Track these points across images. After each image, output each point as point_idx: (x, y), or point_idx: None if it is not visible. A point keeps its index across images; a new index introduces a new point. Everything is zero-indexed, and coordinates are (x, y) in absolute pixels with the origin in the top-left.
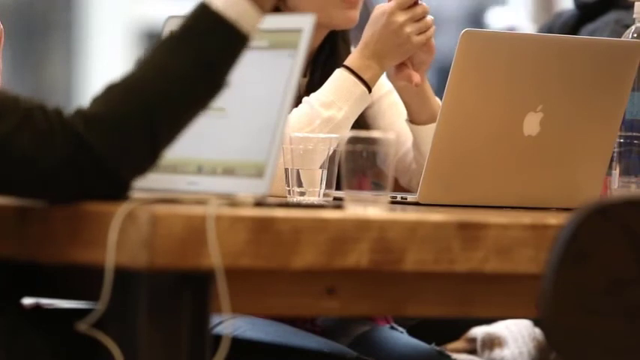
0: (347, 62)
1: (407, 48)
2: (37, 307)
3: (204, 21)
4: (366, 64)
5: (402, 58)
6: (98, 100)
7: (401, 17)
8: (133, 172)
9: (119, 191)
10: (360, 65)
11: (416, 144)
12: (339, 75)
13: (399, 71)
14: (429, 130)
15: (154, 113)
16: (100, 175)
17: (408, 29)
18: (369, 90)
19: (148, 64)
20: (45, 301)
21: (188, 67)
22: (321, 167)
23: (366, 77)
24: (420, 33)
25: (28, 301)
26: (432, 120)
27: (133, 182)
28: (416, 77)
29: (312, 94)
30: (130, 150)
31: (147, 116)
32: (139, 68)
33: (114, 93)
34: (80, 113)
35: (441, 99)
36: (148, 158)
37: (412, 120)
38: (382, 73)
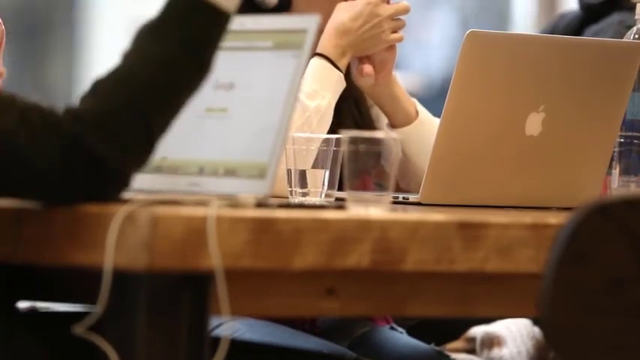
0: (322, 50)
1: (378, 42)
2: (33, 311)
3: (183, 4)
4: (342, 51)
5: (369, 51)
6: (87, 98)
7: (385, 11)
8: (129, 165)
9: (118, 187)
10: (336, 54)
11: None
12: (317, 64)
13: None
14: (406, 133)
15: (144, 103)
16: (97, 172)
17: (386, 25)
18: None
19: (132, 55)
20: (41, 305)
21: (173, 53)
22: (323, 168)
23: (340, 65)
24: (393, 31)
25: (23, 304)
26: (408, 121)
27: (131, 176)
28: (367, 68)
29: None
30: (125, 143)
31: (137, 107)
32: (124, 60)
33: (102, 88)
34: (70, 112)
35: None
36: (143, 150)
37: (391, 124)
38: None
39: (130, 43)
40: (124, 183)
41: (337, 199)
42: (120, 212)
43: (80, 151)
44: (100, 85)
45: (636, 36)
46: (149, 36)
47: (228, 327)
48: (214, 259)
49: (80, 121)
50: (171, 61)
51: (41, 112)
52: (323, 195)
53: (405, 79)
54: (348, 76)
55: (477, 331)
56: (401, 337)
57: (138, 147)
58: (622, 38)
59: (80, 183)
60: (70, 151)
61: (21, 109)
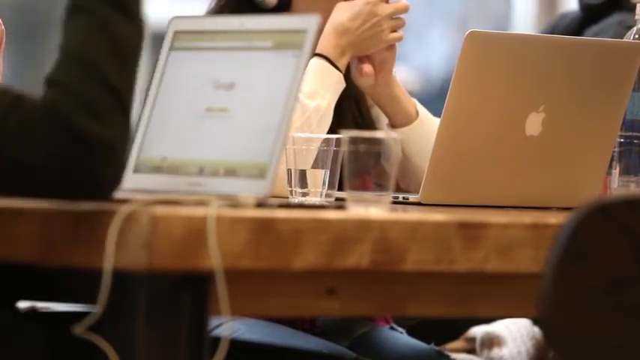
0: (322, 50)
1: (377, 42)
2: (33, 311)
3: None
4: (341, 51)
5: (369, 51)
6: (49, 92)
7: (384, 10)
8: (118, 138)
9: (113, 165)
10: (336, 54)
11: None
12: (317, 64)
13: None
14: (406, 133)
15: (100, 70)
16: (91, 152)
17: (386, 24)
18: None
19: (65, 36)
20: (41, 305)
21: (97, 15)
22: (323, 168)
23: (340, 65)
24: (393, 30)
25: (23, 304)
26: (408, 121)
27: (124, 151)
28: (366, 68)
29: None
30: (104, 115)
31: (97, 77)
32: (63, 43)
33: (56, 78)
34: (46, 99)
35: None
36: (122, 118)
37: (391, 124)
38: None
39: (61, 29)
40: (119, 161)
41: (337, 199)
42: (120, 212)
43: (72, 134)
44: (53, 77)
45: (636, 36)
46: (71, 12)
47: (228, 327)
48: (214, 259)
49: (61, 106)
50: (101, 23)
51: (34, 103)
52: (323, 195)
53: (405, 78)
54: (348, 76)
55: (477, 331)
56: (401, 337)
57: (115, 116)
58: (622, 38)
59: (72, 171)
60: (62, 137)
61: (14, 98)
